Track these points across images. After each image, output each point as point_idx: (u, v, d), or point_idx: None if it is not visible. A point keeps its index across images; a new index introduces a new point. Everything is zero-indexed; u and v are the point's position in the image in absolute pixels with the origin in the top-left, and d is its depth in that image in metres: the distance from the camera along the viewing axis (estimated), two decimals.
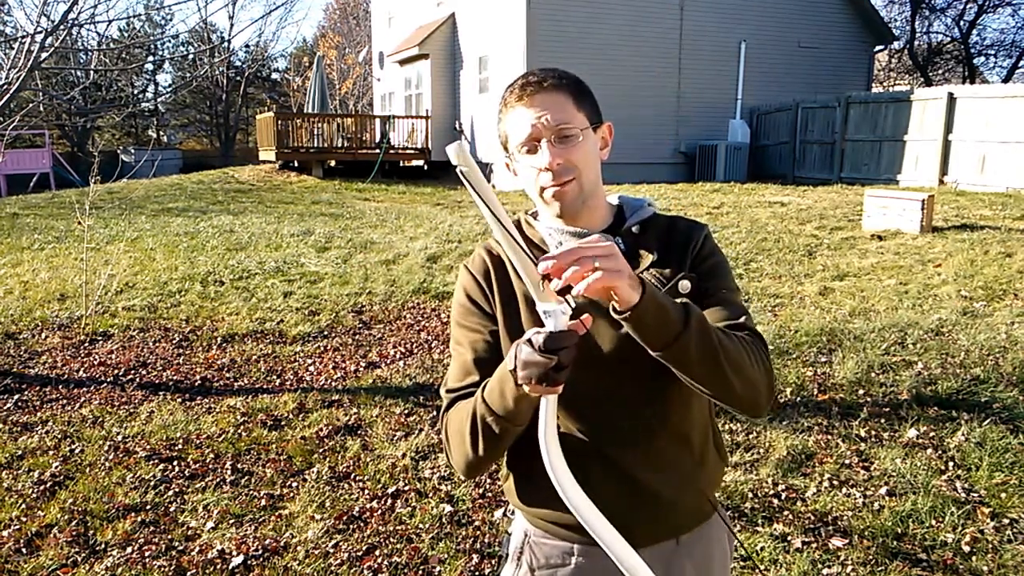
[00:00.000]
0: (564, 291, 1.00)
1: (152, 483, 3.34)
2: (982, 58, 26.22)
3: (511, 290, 1.31)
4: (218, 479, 3.38)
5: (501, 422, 1.16)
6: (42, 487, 3.30)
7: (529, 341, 1.00)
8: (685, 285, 1.27)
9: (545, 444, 1.07)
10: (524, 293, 1.29)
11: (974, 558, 2.68)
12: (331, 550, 2.82)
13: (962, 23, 24.31)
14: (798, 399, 4.06)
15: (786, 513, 3.00)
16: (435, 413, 4.03)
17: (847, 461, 3.39)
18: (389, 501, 3.17)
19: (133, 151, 30.84)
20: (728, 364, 1.13)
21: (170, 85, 40.64)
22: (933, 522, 2.89)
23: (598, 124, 1.32)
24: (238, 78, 37.68)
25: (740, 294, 1.35)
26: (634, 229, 1.31)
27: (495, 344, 1.30)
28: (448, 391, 1.32)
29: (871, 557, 2.69)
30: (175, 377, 4.71)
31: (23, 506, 3.15)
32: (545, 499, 1.26)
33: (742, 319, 1.27)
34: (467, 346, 1.31)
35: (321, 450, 3.66)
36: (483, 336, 1.31)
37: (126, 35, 24.33)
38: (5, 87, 4.65)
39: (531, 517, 1.33)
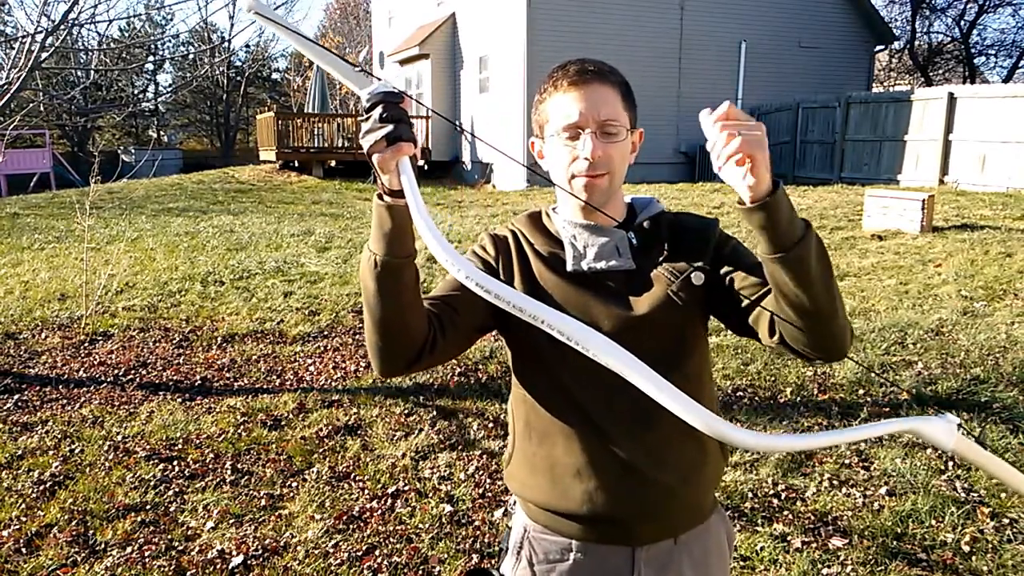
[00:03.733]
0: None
1: (152, 483, 3.34)
2: (982, 58, 26.23)
3: (527, 258, 1.33)
4: (218, 479, 3.38)
5: (385, 253, 1.09)
6: (42, 487, 3.30)
7: (364, 108, 1.03)
8: (699, 276, 1.28)
9: (417, 210, 1.03)
10: (538, 258, 1.32)
11: (974, 558, 2.68)
12: (331, 550, 2.82)
13: (962, 23, 24.31)
14: (798, 399, 4.06)
15: (786, 513, 3.00)
16: (435, 413, 4.03)
17: (847, 461, 3.39)
18: (389, 501, 3.17)
19: (133, 151, 30.85)
20: (835, 282, 1.09)
21: (170, 85, 40.66)
22: (933, 522, 2.89)
23: (635, 128, 1.32)
24: (238, 78, 37.68)
25: None
26: (645, 224, 1.32)
27: (474, 303, 1.21)
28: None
29: (871, 557, 2.69)
30: (175, 377, 4.71)
31: (23, 506, 3.15)
32: (546, 493, 1.28)
33: None
34: (451, 280, 1.30)
35: (321, 450, 3.66)
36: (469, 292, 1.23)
37: (126, 35, 24.34)
38: (5, 87, 4.66)
39: (531, 511, 1.33)
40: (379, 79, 1.05)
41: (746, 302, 1.23)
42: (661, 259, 1.30)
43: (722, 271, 1.28)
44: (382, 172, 1.04)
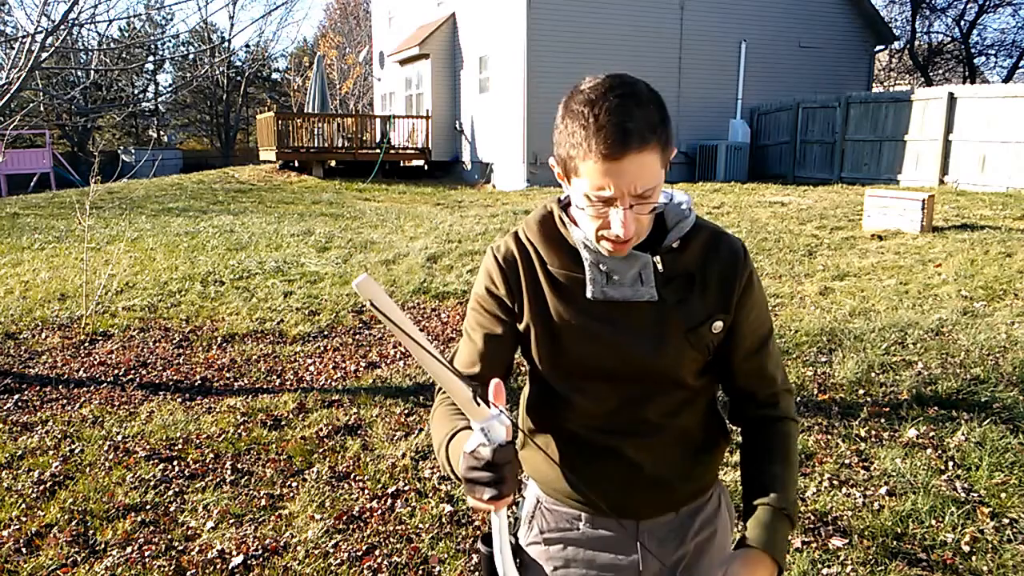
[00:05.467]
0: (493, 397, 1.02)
1: (152, 483, 3.34)
2: (982, 58, 26.22)
3: (539, 280, 1.28)
4: (218, 479, 3.38)
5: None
6: (42, 487, 3.30)
7: (472, 454, 1.00)
8: (718, 326, 1.25)
9: (501, 560, 1.07)
10: (552, 283, 1.27)
11: (974, 558, 2.68)
12: (331, 550, 2.82)
13: (962, 23, 24.30)
14: (798, 399, 4.06)
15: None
16: None
17: (847, 461, 3.39)
18: (389, 501, 3.17)
19: (133, 151, 30.86)
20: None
21: (170, 85, 40.67)
22: (933, 522, 2.89)
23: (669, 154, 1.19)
24: (238, 78, 37.68)
25: (773, 339, 1.34)
26: (674, 245, 1.24)
27: (507, 339, 1.31)
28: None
29: (871, 557, 2.69)
30: (175, 377, 4.71)
31: (23, 506, 3.15)
32: (556, 480, 1.35)
33: (779, 379, 1.34)
34: (478, 337, 1.32)
35: (321, 450, 3.66)
36: (496, 331, 1.30)
37: (126, 35, 24.34)
38: (5, 87, 4.66)
39: (543, 486, 1.39)
40: (495, 408, 1.00)
41: (728, 367, 1.31)
42: (685, 295, 1.24)
43: (731, 320, 1.26)
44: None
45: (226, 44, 33.50)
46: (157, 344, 5.33)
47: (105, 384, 4.61)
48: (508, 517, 1.23)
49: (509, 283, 1.28)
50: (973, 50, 25.07)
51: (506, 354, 1.32)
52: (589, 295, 1.23)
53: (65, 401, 4.35)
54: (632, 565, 1.33)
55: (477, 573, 2.68)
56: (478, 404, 1.00)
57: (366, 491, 3.26)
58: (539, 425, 1.38)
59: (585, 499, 1.33)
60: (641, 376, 1.25)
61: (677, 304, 1.23)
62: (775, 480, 1.26)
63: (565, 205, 1.31)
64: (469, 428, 1.18)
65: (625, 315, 1.23)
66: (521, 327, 1.30)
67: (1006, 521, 2.88)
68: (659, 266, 1.22)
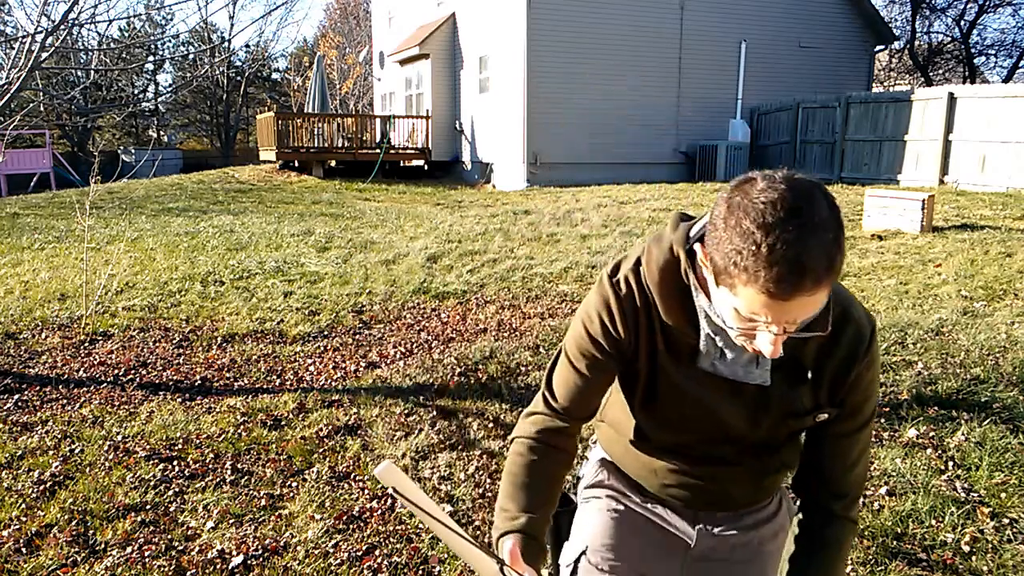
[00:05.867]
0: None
1: (152, 483, 3.34)
2: (982, 58, 26.22)
3: (654, 330, 1.20)
4: (218, 479, 3.38)
5: None
6: (42, 487, 3.30)
7: None
8: (822, 417, 1.20)
9: None
10: (664, 338, 1.19)
11: (974, 558, 2.68)
12: (331, 550, 2.82)
13: (962, 23, 24.30)
14: None
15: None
16: (435, 413, 4.03)
17: None
18: (389, 501, 3.17)
19: (133, 151, 30.87)
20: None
21: (170, 85, 40.67)
22: (933, 522, 2.89)
23: None
24: (238, 78, 37.68)
25: (870, 427, 1.27)
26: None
27: (611, 381, 1.30)
28: (545, 403, 1.31)
29: (871, 557, 2.69)
30: (175, 377, 4.71)
31: (23, 506, 3.15)
32: (626, 463, 1.38)
33: (859, 472, 1.26)
34: (584, 375, 1.26)
35: (321, 450, 3.66)
36: (604, 373, 1.27)
37: (126, 35, 24.35)
38: (5, 87, 4.66)
39: (613, 460, 1.43)
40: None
41: (813, 448, 1.27)
42: (795, 383, 1.17)
43: (830, 411, 1.21)
44: None
45: (226, 44, 33.51)
46: (157, 344, 5.33)
47: (105, 384, 4.61)
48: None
49: (628, 326, 1.20)
50: (973, 50, 25.07)
51: (603, 395, 1.32)
52: (701, 365, 1.17)
53: (65, 401, 4.35)
54: (685, 537, 1.35)
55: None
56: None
57: (366, 491, 3.26)
58: (617, 427, 1.37)
59: (651, 486, 1.36)
60: (731, 440, 1.24)
61: (787, 391, 1.17)
62: None
63: (691, 249, 1.16)
64: (523, 535, 1.20)
65: (730, 390, 1.18)
66: (629, 367, 1.25)
67: (1006, 521, 2.88)
68: (782, 353, 1.11)
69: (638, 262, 1.20)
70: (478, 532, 2.92)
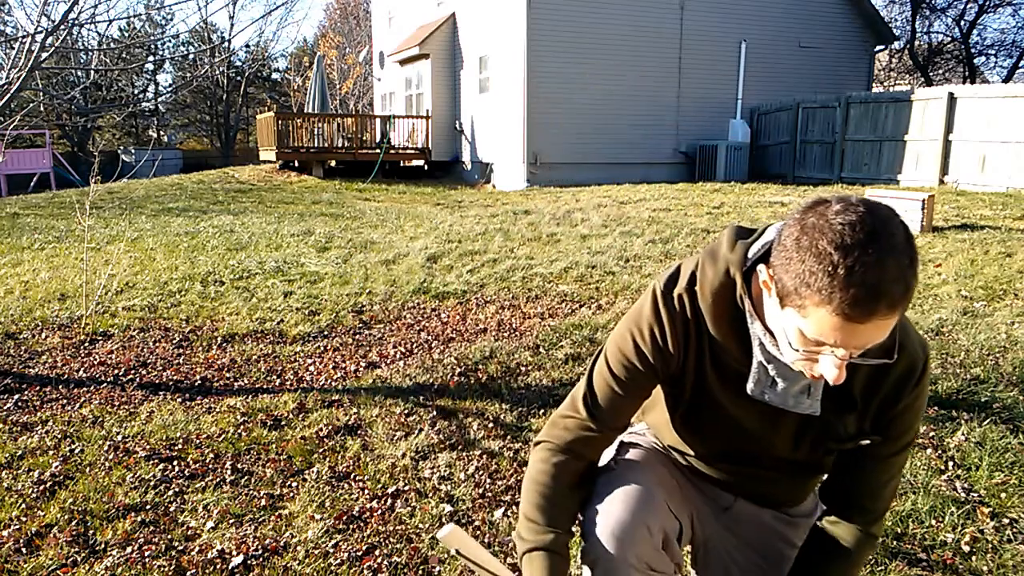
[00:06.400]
0: None
1: (152, 483, 3.34)
2: (982, 58, 26.22)
3: (703, 351, 1.17)
4: (218, 479, 3.38)
5: None
6: (42, 487, 3.30)
7: None
8: (865, 443, 1.19)
9: None
10: (713, 361, 1.16)
11: (974, 558, 2.68)
12: (331, 550, 2.82)
13: (962, 23, 24.29)
14: None
15: None
16: (435, 413, 4.03)
17: None
18: (389, 501, 3.17)
19: (133, 151, 30.87)
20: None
21: (170, 85, 40.68)
22: (933, 522, 2.89)
23: None
24: (238, 78, 37.68)
25: (906, 456, 1.25)
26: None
27: (650, 393, 1.28)
28: (584, 407, 1.27)
29: (871, 557, 2.69)
30: (175, 377, 4.71)
31: (23, 506, 3.15)
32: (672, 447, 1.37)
33: (888, 495, 1.25)
34: (624, 383, 1.25)
35: (321, 450, 3.66)
36: (644, 389, 1.26)
37: (126, 35, 24.35)
38: (5, 87, 4.65)
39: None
40: None
41: (855, 461, 1.24)
42: (843, 412, 1.16)
43: (873, 439, 1.20)
44: None
45: (226, 44, 33.51)
46: (157, 344, 5.33)
47: (105, 384, 4.60)
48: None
49: (679, 344, 1.18)
50: (973, 50, 25.07)
51: (638, 408, 1.31)
52: (750, 391, 1.14)
53: (65, 401, 4.35)
54: (726, 501, 1.36)
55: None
56: None
57: (366, 491, 3.26)
58: (656, 428, 1.37)
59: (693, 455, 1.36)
60: (771, 458, 1.25)
61: (832, 418, 1.16)
62: None
63: (748, 273, 1.13)
64: (551, 553, 1.19)
65: (777, 417, 1.16)
66: (674, 386, 1.24)
67: (1006, 521, 2.88)
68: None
69: (692, 280, 1.16)
70: (478, 532, 2.93)
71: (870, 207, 1.01)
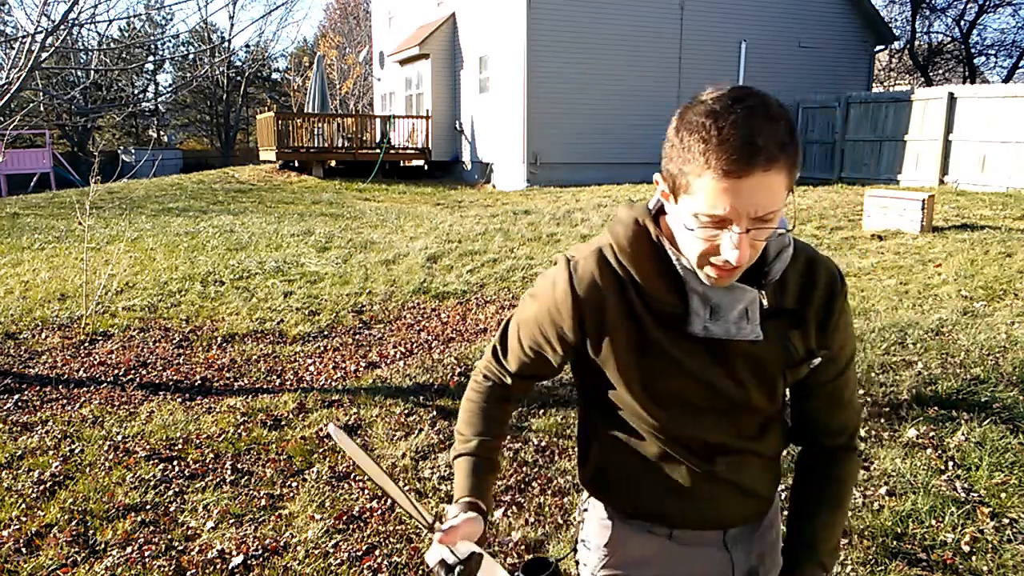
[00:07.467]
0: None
1: (152, 483, 3.34)
2: (982, 58, 26.22)
3: (631, 311, 1.16)
4: (218, 479, 3.38)
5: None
6: (42, 487, 3.30)
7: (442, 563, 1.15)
8: (816, 362, 1.20)
9: None
10: (648, 312, 1.15)
11: (974, 558, 2.68)
12: (331, 550, 2.82)
13: (962, 23, 24.30)
14: None
15: (786, 513, 2.99)
16: (435, 413, 4.03)
17: None
18: (389, 501, 3.17)
19: (133, 151, 30.87)
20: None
21: (170, 85, 40.68)
22: (933, 522, 2.89)
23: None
24: (238, 78, 37.68)
25: (854, 360, 1.29)
26: (775, 278, 1.16)
27: (557, 362, 1.30)
28: (494, 355, 1.40)
29: (871, 557, 2.69)
30: (175, 377, 4.71)
31: (23, 506, 3.15)
32: (639, 495, 1.30)
33: (855, 406, 1.29)
34: (528, 350, 1.32)
35: (321, 450, 3.66)
36: (548, 353, 1.28)
37: (126, 35, 24.36)
38: (5, 87, 4.66)
39: (621, 510, 1.34)
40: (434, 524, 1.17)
41: (807, 389, 1.26)
42: (786, 332, 1.17)
43: (822, 354, 1.21)
44: None
45: (226, 44, 33.51)
46: (157, 344, 5.33)
47: (105, 384, 4.60)
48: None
49: (582, 318, 1.18)
50: (973, 50, 25.07)
51: (549, 372, 1.35)
52: (691, 330, 1.13)
53: (65, 401, 4.35)
54: (723, 572, 1.32)
55: None
56: (432, 532, 1.15)
57: (366, 491, 3.26)
58: (615, 446, 1.30)
59: (670, 515, 1.28)
60: (731, 408, 1.21)
61: (779, 342, 1.16)
62: (819, 530, 1.27)
63: (656, 216, 1.18)
64: (474, 456, 1.32)
65: (723, 351, 1.15)
66: (595, 357, 1.22)
67: (1006, 521, 2.88)
68: (764, 301, 1.13)
69: (599, 252, 1.19)
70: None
71: (742, 86, 1.02)
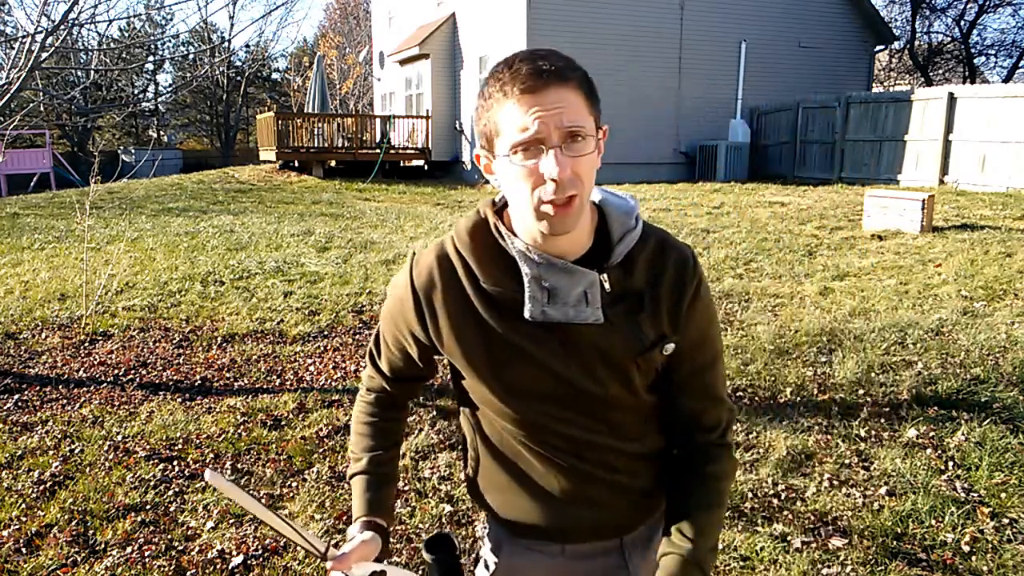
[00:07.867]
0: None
1: (152, 483, 3.34)
2: (982, 58, 26.22)
3: (467, 300, 1.16)
4: None
5: None
6: (42, 487, 3.30)
7: None
8: (669, 347, 1.17)
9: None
10: (484, 301, 1.15)
11: (974, 558, 2.68)
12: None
13: (962, 23, 24.30)
14: (798, 399, 4.06)
15: (786, 513, 3.00)
16: (435, 413, 4.03)
17: (847, 461, 3.39)
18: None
19: (133, 151, 30.88)
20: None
21: (170, 85, 40.69)
22: (933, 522, 2.89)
23: (600, 127, 1.12)
24: (238, 78, 37.69)
25: (722, 354, 1.27)
26: (620, 261, 1.14)
27: (420, 356, 1.29)
28: (370, 360, 1.40)
29: (871, 557, 2.69)
30: (175, 377, 4.71)
31: (23, 506, 3.15)
32: (527, 509, 1.28)
33: (726, 401, 1.26)
34: (391, 348, 1.32)
35: (321, 450, 3.66)
36: (407, 348, 1.28)
37: (126, 35, 24.35)
38: (5, 87, 4.66)
39: (510, 526, 1.33)
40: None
41: (673, 383, 1.23)
42: (633, 316, 1.15)
43: (675, 340, 1.18)
44: None
45: (226, 44, 33.51)
46: (157, 344, 5.33)
47: (105, 384, 4.61)
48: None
49: (422, 311, 1.19)
50: (973, 50, 25.07)
51: (420, 371, 1.34)
52: (527, 315, 1.11)
53: (65, 401, 4.35)
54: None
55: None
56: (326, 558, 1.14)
57: None
58: (487, 445, 1.28)
59: (563, 525, 1.26)
60: (591, 400, 1.17)
61: (626, 326, 1.13)
62: (696, 528, 1.19)
63: (500, 209, 1.21)
64: (366, 474, 1.32)
65: (567, 337, 1.13)
66: (443, 351, 1.21)
67: (1006, 521, 2.88)
68: (606, 285, 1.12)
69: (440, 244, 1.23)
70: (478, 532, 2.93)
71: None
